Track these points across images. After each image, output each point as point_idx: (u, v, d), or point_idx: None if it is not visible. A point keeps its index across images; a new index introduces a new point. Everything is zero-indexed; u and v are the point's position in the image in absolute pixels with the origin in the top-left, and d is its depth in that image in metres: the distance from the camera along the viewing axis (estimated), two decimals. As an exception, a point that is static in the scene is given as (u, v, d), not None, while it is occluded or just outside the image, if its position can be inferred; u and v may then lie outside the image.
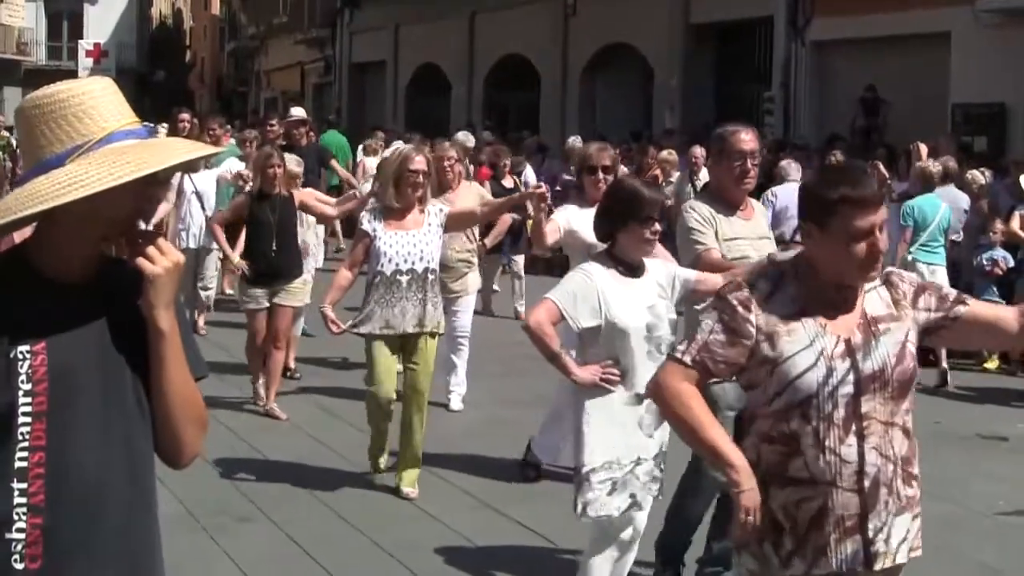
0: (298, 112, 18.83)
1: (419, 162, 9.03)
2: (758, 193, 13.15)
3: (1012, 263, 14.43)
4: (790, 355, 4.08)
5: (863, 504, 4.12)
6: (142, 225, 3.03)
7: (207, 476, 9.20)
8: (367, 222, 9.00)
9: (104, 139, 2.91)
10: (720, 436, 4.11)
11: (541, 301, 6.16)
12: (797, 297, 4.15)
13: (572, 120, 32.85)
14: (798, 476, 4.11)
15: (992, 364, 14.47)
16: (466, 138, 19.13)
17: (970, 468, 10.19)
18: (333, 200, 13.01)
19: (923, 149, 15.46)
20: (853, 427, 4.09)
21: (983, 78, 22.34)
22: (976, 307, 4.40)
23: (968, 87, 22.84)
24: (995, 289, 14.57)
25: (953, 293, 4.41)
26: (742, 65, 29.52)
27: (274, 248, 11.30)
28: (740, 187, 6.94)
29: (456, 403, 11.66)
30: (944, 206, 14.16)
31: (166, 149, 2.99)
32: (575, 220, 8.55)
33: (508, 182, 17.85)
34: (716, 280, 6.32)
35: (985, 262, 14.51)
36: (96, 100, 2.95)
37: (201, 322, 15.41)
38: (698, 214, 6.88)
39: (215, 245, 14.72)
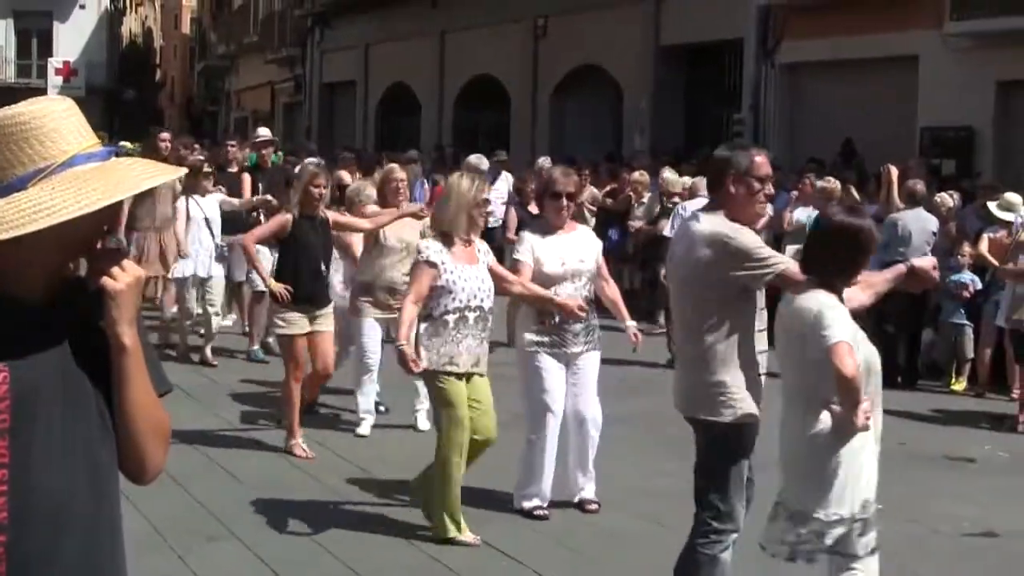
0: (264, 132, 18.75)
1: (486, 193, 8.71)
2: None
3: (980, 286, 14.50)
4: None
5: None
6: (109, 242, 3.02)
7: (176, 495, 9.16)
8: (434, 254, 8.34)
9: (66, 163, 2.89)
10: None
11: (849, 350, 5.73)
12: None
13: (542, 141, 32.89)
14: None
15: (959, 386, 14.54)
16: (479, 161, 18.62)
17: (936, 489, 10.22)
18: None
19: (894, 172, 15.55)
20: None
21: (951, 102, 22.47)
22: None
23: (936, 110, 22.97)
24: (963, 311, 14.63)
25: None
26: (712, 87, 29.62)
27: (323, 270, 10.90)
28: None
29: (423, 422, 11.53)
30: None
31: (130, 175, 2.98)
32: (538, 250, 8.65)
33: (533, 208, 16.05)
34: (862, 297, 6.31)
35: (953, 285, 14.57)
36: (58, 122, 2.94)
37: (208, 352, 14.89)
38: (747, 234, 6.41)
39: (221, 272, 14.66)
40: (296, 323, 10.64)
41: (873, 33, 23.65)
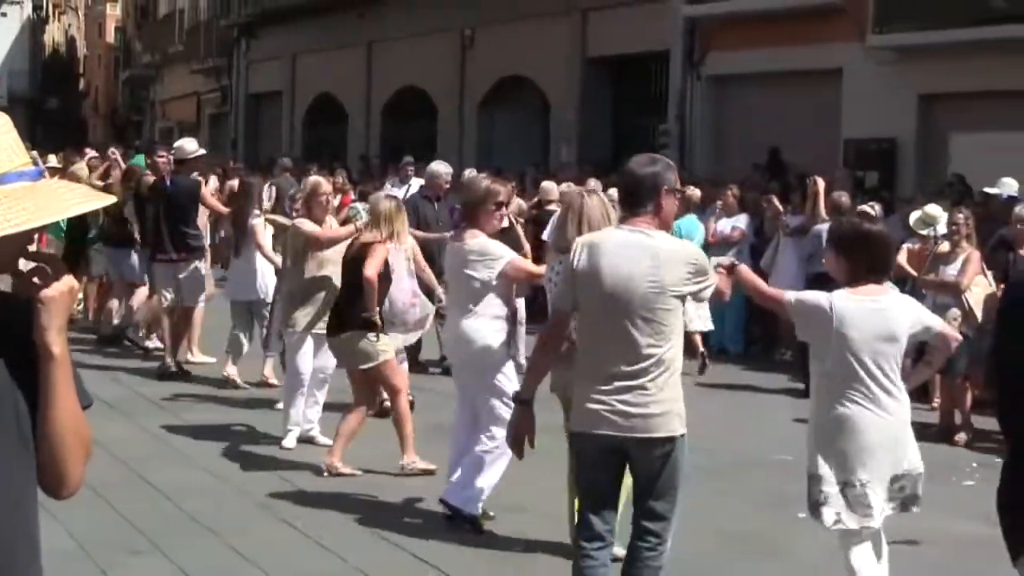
0: (188, 145, 18.05)
1: None
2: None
3: (900, 296, 14.64)
4: None
5: None
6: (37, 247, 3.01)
7: (99, 509, 9.09)
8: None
9: None
10: None
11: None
12: None
13: (469, 152, 32.91)
14: None
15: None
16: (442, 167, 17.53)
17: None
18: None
19: (821, 184, 15.69)
20: None
21: (874, 114, 22.70)
22: None
23: (860, 123, 23.18)
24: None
25: None
26: (638, 98, 29.77)
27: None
28: None
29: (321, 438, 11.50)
30: None
31: (59, 199, 2.98)
32: None
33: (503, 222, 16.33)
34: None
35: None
36: None
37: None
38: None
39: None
40: (395, 346, 10.72)
41: (798, 46, 23.85)
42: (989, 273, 12.82)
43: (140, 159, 18.42)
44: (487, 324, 8.88)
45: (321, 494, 9.69)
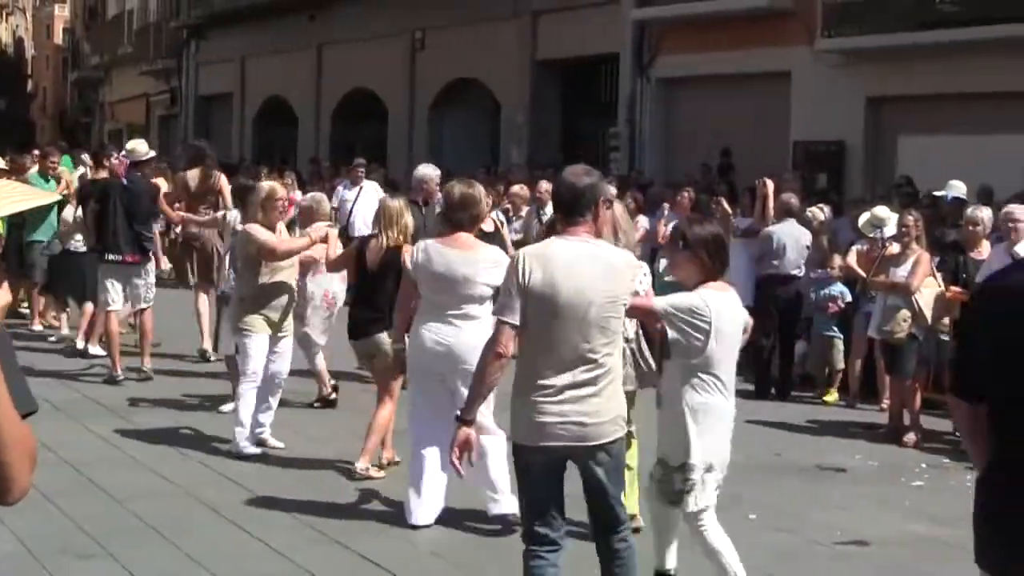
0: (139, 146, 17.71)
1: None
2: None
3: (849, 298, 14.73)
4: None
5: None
6: None
7: (47, 513, 9.03)
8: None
9: None
10: None
11: None
12: None
13: (420, 154, 32.83)
14: None
15: (831, 397, 14.73)
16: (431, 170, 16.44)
17: (809, 499, 10.37)
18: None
19: (770, 186, 15.76)
20: None
21: (823, 117, 22.84)
22: None
23: (808, 125, 23.32)
24: (834, 324, 14.86)
25: None
26: (588, 101, 29.85)
27: None
28: None
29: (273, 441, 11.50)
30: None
31: (4, 196, 2.96)
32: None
33: (488, 226, 14.27)
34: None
35: (823, 298, 14.82)
36: None
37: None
38: None
39: None
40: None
41: (747, 49, 23.98)
42: (939, 274, 12.91)
43: (67, 160, 18.20)
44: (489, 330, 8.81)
45: (271, 498, 9.66)
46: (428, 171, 15.13)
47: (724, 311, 7.00)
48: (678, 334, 6.99)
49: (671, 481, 7.09)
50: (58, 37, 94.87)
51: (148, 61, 51.06)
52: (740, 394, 14.38)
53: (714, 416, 7.06)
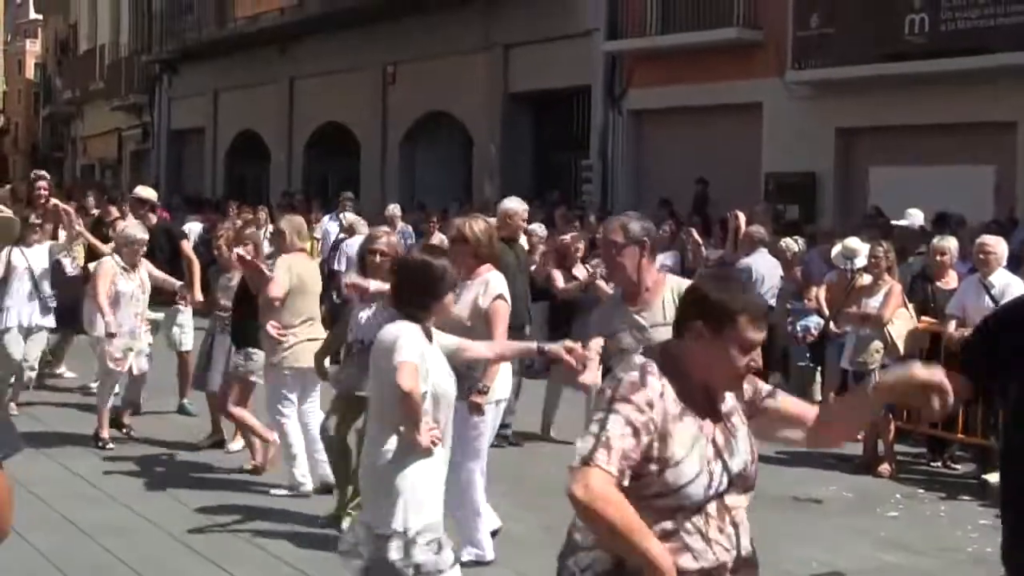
0: (145, 192, 17.10)
1: None
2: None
3: (820, 328, 14.76)
4: (679, 460, 4.11)
5: None
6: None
7: (17, 548, 8.97)
8: None
9: None
10: (656, 544, 3.97)
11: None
12: (679, 396, 4.17)
13: (392, 187, 32.95)
14: (689, 568, 4.13)
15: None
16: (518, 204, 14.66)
17: (784, 530, 10.35)
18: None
19: (742, 218, 15.82)
20: (727, 518, 4.23)
21: (794, 148, 22.96)
22: (784, 402, 4.54)
23: (780, 157, 23.44)
24: (808, 354, 14.88)
25: (766, 387, 4.52)
26: (561, 133, 29.93)
27: None
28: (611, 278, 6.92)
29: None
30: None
31: None
32: None
33: (580, 271, 14.17)
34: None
35: (799, 330, 14.84)
36: None
37: (14, 405, 14.39)
38: None
39: (42, 323, 14.32)
40: None
41: (718, 81, 24.12)
42: (910, 306, 12.94)
43: None
44: None
45: (242, 532, 9.63)
46: (515, 205, 13.01)
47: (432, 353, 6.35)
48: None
49: None
50: (30, 72, 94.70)
51: (120, 96, 50.98)
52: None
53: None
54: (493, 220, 11.01)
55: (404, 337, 6.10)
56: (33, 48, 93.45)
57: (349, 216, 21.51)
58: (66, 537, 9.59)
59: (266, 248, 13.84)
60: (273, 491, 10.95)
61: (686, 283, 6.71)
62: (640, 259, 6.80)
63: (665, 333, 6.57)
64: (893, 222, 17.36)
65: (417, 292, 6.31)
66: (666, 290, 6.89)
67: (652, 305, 6.86)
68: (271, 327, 10.45)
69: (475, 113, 31.12)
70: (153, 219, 16.23)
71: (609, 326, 6.89)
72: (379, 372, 6.17)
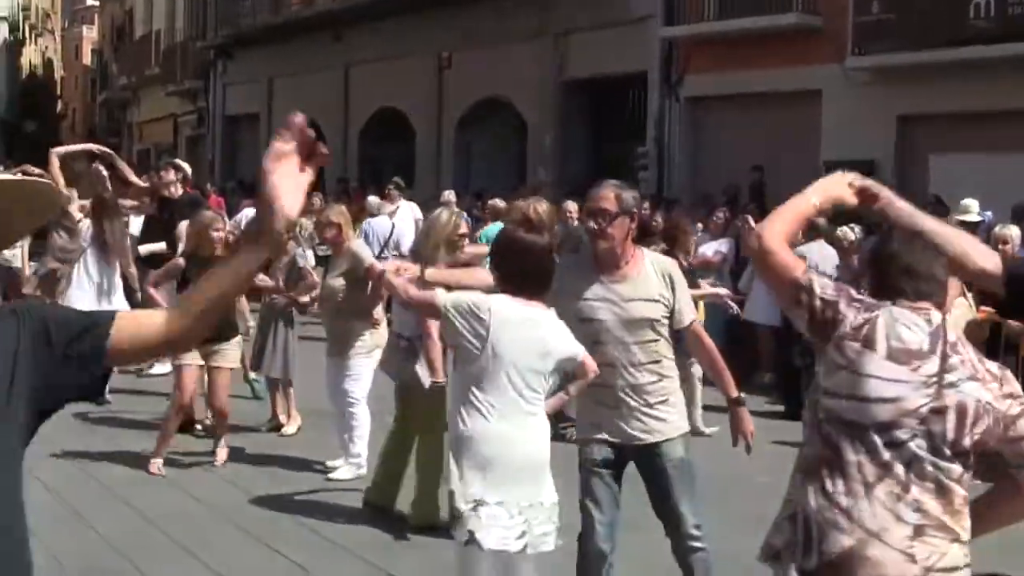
0: (182, 163, 17.59)
1: None
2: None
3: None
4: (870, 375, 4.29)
5: None
6: None
7: (80, 530, 9.01)
8: None
9: None
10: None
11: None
12: None
13: (447, 174, 32.91)
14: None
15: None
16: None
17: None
18: None
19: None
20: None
21: (853, 135, 22.73)
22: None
23: (839, 144, 23.19)
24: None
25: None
26: (616, 120, 29.78)
27: None
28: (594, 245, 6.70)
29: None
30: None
31: None
32: None
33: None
34: None
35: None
36: None
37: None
38: None
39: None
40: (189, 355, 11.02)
41: (776, 67, 23.92)
42: (969, 295, 12.76)
43: None
44: None
45: (298, 516, 9.62)
46: (572, 206, 13.73)
47: (509, 322, 6.20)
48: (452, 335, 6.35)
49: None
50: (87, 58, 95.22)
51: (175, 81, 51.20)
52: (770, 415, 14.38)
53: (484, 441, 6.20)
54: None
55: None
56: (90, 34, 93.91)
57: (371, 199, 21.63)
58: (126, 521, 9.61)
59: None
60: (330, 475, 10.96)
61: (664, 259, 7.03)
62: (628, 231, 6.62)
63: (642, 308, 6.57)
64: (957, 218, 17.11)
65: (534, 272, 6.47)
66: (646, 264, 6.70)
67: (631, 278, 6.66)
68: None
69: (530, 100, 31.03)
70: (180, 190, 16.26)
71: (579, 292, 6.64)
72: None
